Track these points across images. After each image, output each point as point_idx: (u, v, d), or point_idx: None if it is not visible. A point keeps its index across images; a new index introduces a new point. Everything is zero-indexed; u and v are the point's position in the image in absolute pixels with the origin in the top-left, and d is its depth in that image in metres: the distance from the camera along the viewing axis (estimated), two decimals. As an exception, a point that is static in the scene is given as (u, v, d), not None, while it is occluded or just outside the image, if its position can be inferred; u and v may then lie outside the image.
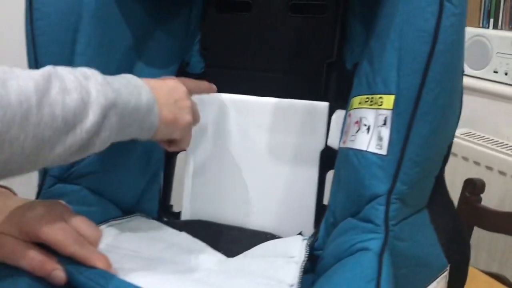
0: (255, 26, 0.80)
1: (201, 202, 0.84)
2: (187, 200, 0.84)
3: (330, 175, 0.79)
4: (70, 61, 0.65)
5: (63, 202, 0.57)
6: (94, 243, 0.52)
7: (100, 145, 0.50)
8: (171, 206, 0.88)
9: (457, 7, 0.52)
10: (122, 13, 0.70)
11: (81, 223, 0.52)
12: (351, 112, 0.65)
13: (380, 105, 0.57)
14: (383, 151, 0.56)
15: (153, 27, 0.76)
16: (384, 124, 0.56)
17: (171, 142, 0.64)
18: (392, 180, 0.55)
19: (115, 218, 0.71)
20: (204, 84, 0.77)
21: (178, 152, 0.86)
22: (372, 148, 0.57)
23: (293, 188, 0.79)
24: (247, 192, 0.81)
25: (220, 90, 0.81)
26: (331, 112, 0.77)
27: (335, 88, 0.79)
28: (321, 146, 0.77)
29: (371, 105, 0.59)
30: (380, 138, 0.57)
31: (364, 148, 0.59)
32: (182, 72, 0.82)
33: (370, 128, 0.59)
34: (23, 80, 0.43)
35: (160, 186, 0.82)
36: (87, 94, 0.47)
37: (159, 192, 0.81)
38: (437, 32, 0.52)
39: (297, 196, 0.79)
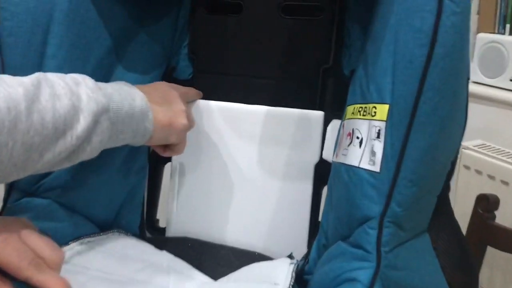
0: (246, 28, 0.75)
1: (187, 217, 0.78)
2: (172, 214, 0.78)
3: (326, 190, 0.73)
4: (39, 64, 0.61)
5: (24, 219, 0.52)
6: (55, 265, 0.47)
7: (91, 151, 0.50)
8: (157, 220, 0.83)
9: (459, 5, 0.45)
10: (99, 13, 0.65)
11: (40, 243, 0.47)
12: (345, 122, 0.59)
13: (374, 115, 0.51)
14: (376, 168, 0.50)
15: (135, 28, 0.71)
16: (378, 137, 0.50)
17: (166, 147, 0.64)
18: (386, 201, 0.49)
19: (88, 235, 0.65)
20: (191, 90, 0.73)
21: (165, 162, 0.81)
22: (365, 164, 0.51)
23: (285, 204, 0.73)
24: (236, 207, 0.76)
25: (209, 97, 0.76)
26: (326, 122, 0.71)
27: (332, 96, 0.73)
28: (315, 159, 0.71)
29: (364, 115, 0.53)
30: (373, 153, 0.51)
31: (355, 164, 0.52)
32: (168, 77, 0.77)
33: (363, 141, 0.52)
34: (12, 87, 0.43)
35: (143, 199, 0.77)
36: (78, 100, 0.48)
37: (141, 206, 0.76)
38: (436, 33, 0.45)
39: (289, 213, 0.73)
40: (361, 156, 0.52)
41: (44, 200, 0.63)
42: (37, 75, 0.47)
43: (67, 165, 0.50)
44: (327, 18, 0.71)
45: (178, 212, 0.78)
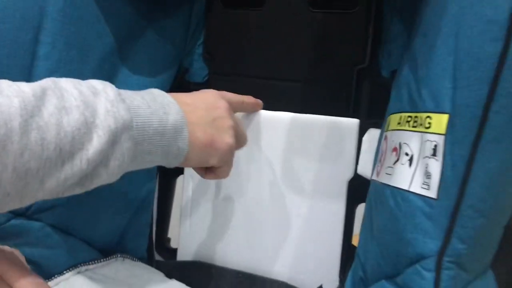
0: (269, 24, 0.65)
1: (201, 237, 0.69)
2: (185, 234, 0.69)
3: (361, 209, 0.63)
4: (29, 66, 0.52)
5: (7, 248, 0.44)
6: None
7: (108, 177, 0.41)
8: (168, 240, 0.74)
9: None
10: (100, 7, 0.57)
11: (23, 282, 0.39)
12: (388, 134, 0.49)
13: (428, 127, 0.41)
14: (432, 193, 0.40)
15: (142, 25, 0.62)
16: (434, 154, 0.40)
17: (208, 169, 0.53)
18: (445, 236, 0.39)
19: (87, 262, 0.57)
20: (249, 99, 0.63)
21: (177, 174, 0.72)
22: (417, 188, 0.41)
23: (314, 226, 0.64)
24: (258, 228, 0.66)
25: None
26: (362, 131, 0.62)
27: (368, 101, 0.64)
28: (349, 174, 0.62)
29: (414, 126, 0.43)
30: (427, 175, 0.41)
31: (405, 187, 0.43)
32: (180, 81, 0.69)
33: (414, 159, 0.43)
34: (6, 97, 0.34)
35: (151, 218, 0.68)
36: (93, 114, 0.38)
37: (149, 225, 0.67)
38: None
39: (319, 236, 0.64)
40: (412, 178, 0.42)
41: (35, 222, 0.54)
42: (44, 82, 0.38)
43: (79, 191, 0.41)
44: (362, 11, 0.61)
45: (191, 232, 0.69)
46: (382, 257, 0.46)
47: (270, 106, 0.65)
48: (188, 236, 0.69)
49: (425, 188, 0.41)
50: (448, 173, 0.39)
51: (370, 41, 0.62)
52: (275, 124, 0.64)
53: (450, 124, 0.39)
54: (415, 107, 0.44)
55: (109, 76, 0.59)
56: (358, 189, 0.62)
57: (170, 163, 0.46)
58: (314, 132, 0.63)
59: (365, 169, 0.60)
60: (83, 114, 0.38)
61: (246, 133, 0.57)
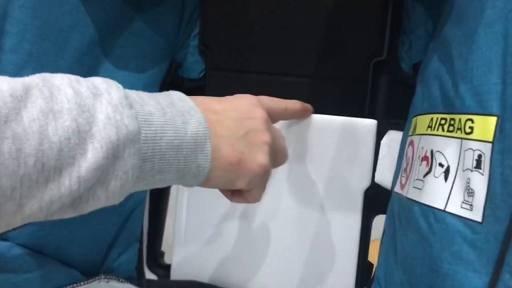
0: (274, 13, 0.58)
1: (199, 252, 0.61)
2: (179, 250, 0.62)
3: (379, 221, 0.56)
4: (-6, 61, 0.45)
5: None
6: None
7: (107, 199, 0.32)
8: (162, 254, 0.66)
9: None
10: (77, -7, 0.49)
11: None
12: (414, 139, 0.42)
13: (469, 132, 0.33)
14: (476, 216, 0.32)
15: (128, 14, 0.55)
16: (478, 167, 0.32)
17: (235, 191, 0.44)
18: (494, 269, 0.31)
19: (65, 285, 0.49)
20: (294, 104, 0.53)
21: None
22: (455, 208, 0.33)
23: (326, 241, 0.56)
24: (263, 243, 0.59)
25: None
26: (380, 133, 0.54)
27: (386, 99, 0.56)
28: (365, 183, 0.54)
29: (450, 131, 0.35)
30: (469, 191, 0.33)
31: (439, 206, 0.35)
32: (172, 76, 0.61)
33: (450, 172, 0.35)
34: None
35: (141, 232, 0.61)
36: (89, 121, 0.30)
37: (138, 240, 0.61)
38: None
39: (331, 253, 0.56)
40: (449, 195, 0.34)
41: (2, 242, 0.47)
42: (31, 78, 0.30)
43: (72, 215, 0.33)
44: (380, -4, 0.54)
45: (187, 246, 0.62)
46: (410, 286, 0.38)
47: None
48: (183, 250, 0.62)
49: (466, 209, 0.33)
50: (496, 190, 0.31)
51: (388, 30, 0.55)
52: (281, 126, 0.56)
53: (499, 129, 0.31)
54: (451, 107, 0.36)
55: (89, 71, 0.52)
56: (375, 199, 0.55)
57: (188, 183, 0.38)
58: (325, 134, 0.55)
59: (383, 177, 0.53)
60: (76, 120, 0.30)
61: (286, 148, 0.45)
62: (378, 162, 0.53)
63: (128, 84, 0.51)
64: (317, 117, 0.55)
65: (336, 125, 0.55)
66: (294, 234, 0.57)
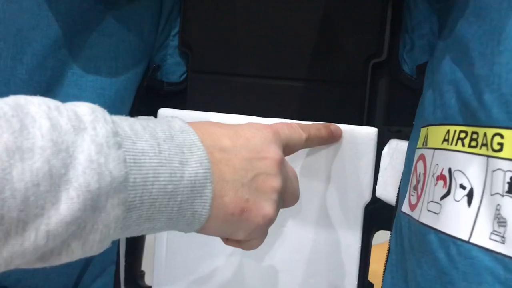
0: (263, 9, 0.52)
1: (182, 271, 0.56)
2: (161, 267, 0.56)
3: (380, 236, 0.51)
4: None
5: None
6: None
7: (84, 252, 0.27)
8: (142, 275, 0.61)
9: None
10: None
11: None
12: (425, 153, 0.37)
13: (498, 150, 0.28)
14: (509, 249, 0.27)
15: (99, 11, 0.49)
16: (509, 191, 0.27)
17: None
18: None
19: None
20: (319, 130, 0.46)
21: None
22: (483, 240, 0.28)
23: (323, 262, 0.51)
24: (251, 263, 0.53)
25: (209, 107, 0.54)
26: (380, 142, 0.49)
27: (386, 104, 0.52)
28: (365, 198, 0.49)
29: (473, 147, 0.30)
30: (500, 221, 0.28)
31: (463, 236, 0.30)
32: (150, 80, 0.56)
33: (475, 195, 0.30)
34: None
35: (117, 252, 0.55)
36: (65, 163, 0.25)
37: (114, 260, 0.55)
38: None
39: (328, 273, 0.51)
40: (474, 223, 0.29)
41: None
42: (0, 104, 0.24)
43: (42, 265, 0.27)
44: (379, -9, 0.49)
45: (168, 266, 0.56)
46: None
47: (265, 111, 0.52)
48: (164, 271, 0.56)
49: (497, 241, 0.28)
50: (535, 220, 0.26)
51: (388, 28, 0.50)
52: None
53: (537, 147, 0.26)
54: (472, 119, 0.31)
55: (53, 76, 0.46)
56: (375, 214, 0.50)
57: (180, 230, 0.32)
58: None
59: (385, 191, 0.48)
60: (49, 162, 0.24)
61: (298, 191, 0.39)
62: (379, 174, 0.49)
63: (99, 90, 0.46)
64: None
65: (332, 133, 0.49)
66: (287, 254, 0.52)
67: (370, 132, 0.48)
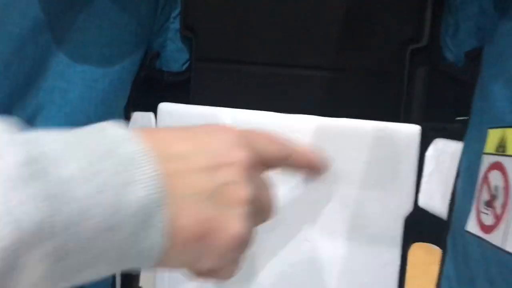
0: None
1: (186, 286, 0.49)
2: (163, 282, 0.50)
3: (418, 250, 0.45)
4: None
5: None
6: None
7: None
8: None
9: None
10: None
11: None
12: (504, 161, 0.30)
13: None
14: None
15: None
16: None
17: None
18: None
19: None
20: (305, 153, 0.37)
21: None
22: None
23: (356, 280, 0.45)
24: (277, 281, 0.46)
25: (216, 101, 0.48)
26: (424, 143, 0.43)
27: (426, 97, 0.45)
28: (406, 208, 0.43)
29: None
30: None
31: None
32: (148, 70, 0.50)
33: None
34: None
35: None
36: None
37: (109, 285, 0.49)
38: None
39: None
40: None
41: None
42: None
43: None
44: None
45: (170, 279, 0.50)
46: None
47: (283, 106, 0.46)
48: (166, 283, 0.50)
49: None
50: None
51: (429, 11, 0.44)
52: (294, 133, 0.44)
53: None
54: None
55: (34, 66, 0.40)
56: (413, 224, 0.44)
57: (137, 266, 0.26)
58: (352, 145, 0.43)
59: (431, 201, 0.42)
60: None
61: (273, 202, 0.32)
62: (423, 180, 0.42)
63: (90, 82, 0.39)
64: (341, 122, 0.43)
65: (367, 132, 0.43)
66: (311, 274, 0.45)
67: (412, 131, 0.42)
